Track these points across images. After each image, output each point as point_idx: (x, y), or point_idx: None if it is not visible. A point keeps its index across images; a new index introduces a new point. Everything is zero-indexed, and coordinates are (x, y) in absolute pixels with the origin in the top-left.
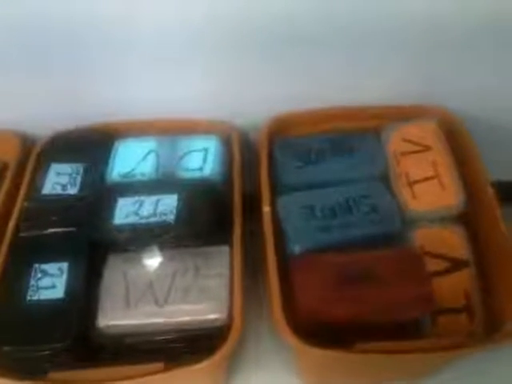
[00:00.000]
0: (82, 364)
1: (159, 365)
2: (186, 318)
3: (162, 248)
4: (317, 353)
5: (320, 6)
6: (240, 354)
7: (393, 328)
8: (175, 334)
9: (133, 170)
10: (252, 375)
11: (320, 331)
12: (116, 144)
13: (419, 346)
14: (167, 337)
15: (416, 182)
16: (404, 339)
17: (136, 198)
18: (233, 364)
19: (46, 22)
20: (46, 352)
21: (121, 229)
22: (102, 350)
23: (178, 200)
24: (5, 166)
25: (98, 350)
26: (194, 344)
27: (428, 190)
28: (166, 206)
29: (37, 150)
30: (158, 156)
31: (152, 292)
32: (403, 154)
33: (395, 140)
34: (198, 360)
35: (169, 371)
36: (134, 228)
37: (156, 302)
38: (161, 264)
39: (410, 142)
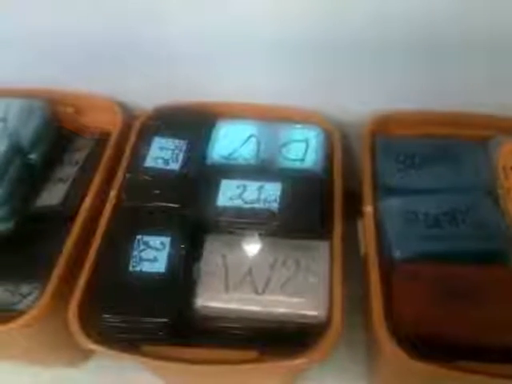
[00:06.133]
0: (175, 341)
1: (253, 353)
2: (284, 310)
3: (262, 235)
4: (418, 366)
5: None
6: None
7: (493, 351)
8: (269, 324)
9: (234, 152)
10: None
11: (418, 344)
12: (217, 124)
13: None
14: (261, 325)
15: None
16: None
17: (239, 182)
18: None
19: None
20: (148, 325)
21: (225, 211)
22: (195, 330)
23: (282, 189)
24: (107, 136)
25: (191, 329)
26: (286, 337)
27: None
28: (270, 193)
29: (139, 122)
30: (258, 141)
31: (251, 279)
32: None
33: (505, 153)
34: (292, 355)
35: (264, 362)
36: (238, 211)
37: (255, 290)
38: (261, 251)
39: None
